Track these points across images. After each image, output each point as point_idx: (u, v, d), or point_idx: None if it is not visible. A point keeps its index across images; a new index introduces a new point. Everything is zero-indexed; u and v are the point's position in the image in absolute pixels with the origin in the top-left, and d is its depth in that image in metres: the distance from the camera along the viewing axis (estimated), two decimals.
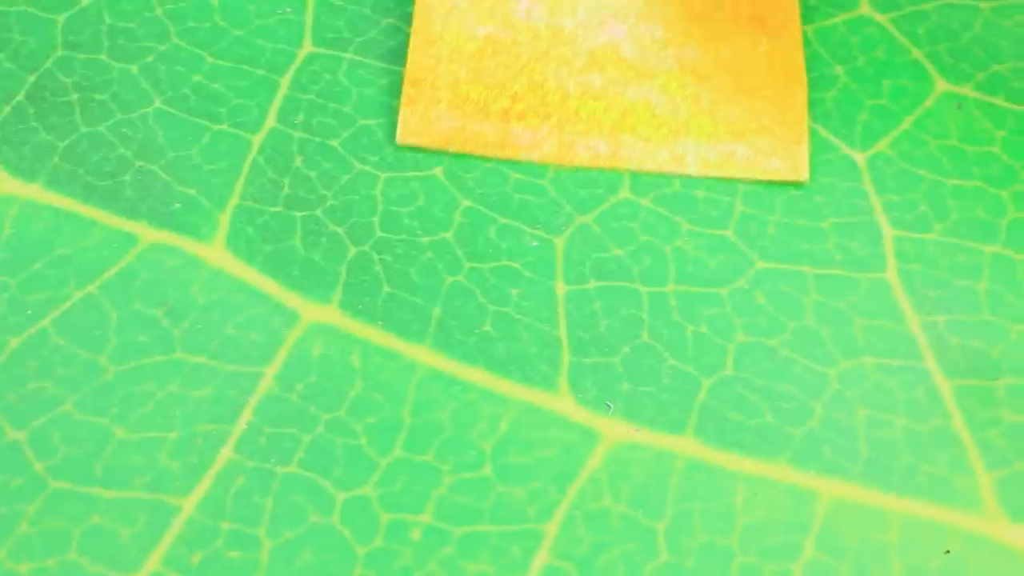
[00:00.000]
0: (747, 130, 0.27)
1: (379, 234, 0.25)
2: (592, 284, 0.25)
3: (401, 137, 0.26)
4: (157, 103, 0.26)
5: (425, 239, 0.25)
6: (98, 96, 0.26)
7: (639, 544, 0.22)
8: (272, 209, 0.25)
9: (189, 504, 0.22)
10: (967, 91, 0.29)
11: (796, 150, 0.27)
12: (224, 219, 0.25)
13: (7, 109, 0.26)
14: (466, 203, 0.26)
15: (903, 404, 0.24)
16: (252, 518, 0.21)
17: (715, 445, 0.23)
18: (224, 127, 0.26)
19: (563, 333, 0.24)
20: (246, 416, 0.23)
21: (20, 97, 0.26)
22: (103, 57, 0.27)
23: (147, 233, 0.25)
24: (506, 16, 0.27)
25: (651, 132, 0.27)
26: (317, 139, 0.26)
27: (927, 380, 0.24)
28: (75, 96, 0.26)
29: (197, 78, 0.27)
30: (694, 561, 0.22)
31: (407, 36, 0.28)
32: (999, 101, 0.29)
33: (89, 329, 0.23)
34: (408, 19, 0.29)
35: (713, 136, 0.27)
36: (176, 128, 0.26)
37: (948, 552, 0.22)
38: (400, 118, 0.26)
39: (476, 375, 0.23)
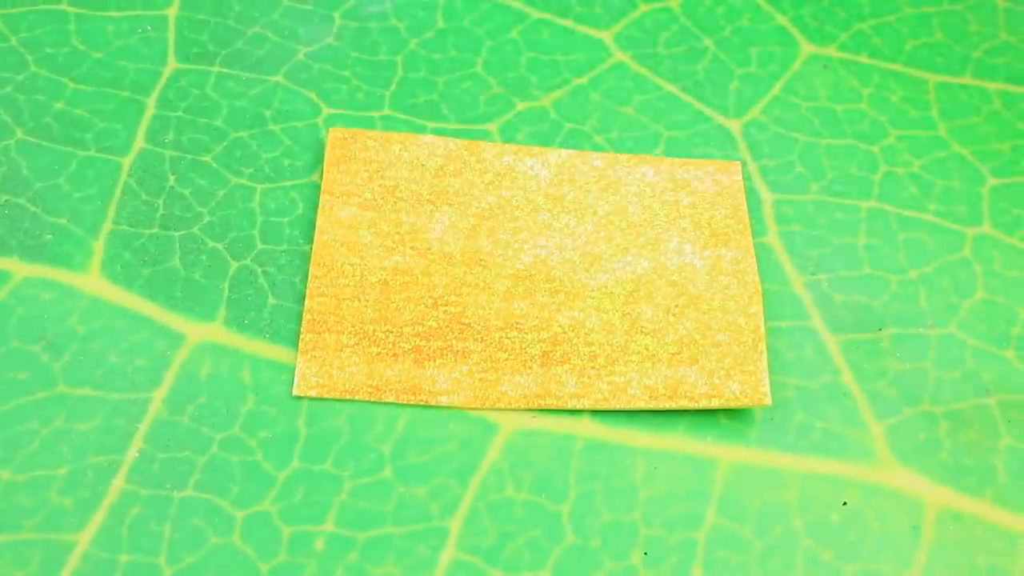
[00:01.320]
0: (697, 351, 0.24)
1: (260, 246, 0.25)
2: None
3: (299, 388, 0.23)
4: (19, 134, 0.26)
5: (308, 247, 0.25)
6: None
7: (544, 529, 0.22)
8: (148, 231, 0.25)
9: (83, 539, 0.21)
10: (832, 51, 0.29)
11: (755, 370, 0.23)
12: (98, 246, 0.24)
13: None
14: None
15: (793, 364, 0.24)
16: (150, 547, 0.21)
17: (612, 423, 0.23)
18: (91, 152, 0.26)
19: None
20: (137, 444, 0.22)
21: None
22: None
23: (19, 268, 0.24)
24: (416, 243, 0.24)
25: (586, 362, 0.23)
26: (189, 156, 0.26)
27: (815, 338, 0.25)
28: None
29: (59, 105, 0.26)
30: (600, 540, 0.22)
31: (274, 44, 0.28)
32: (863, 59, 0.29)
33: None
34: (274, 27, 0.28)
35: (657, 360, 0.23)
36: (41, 158, 0.25)
37: (846, 504, 0.23)
38: (297, 368, 0.23)
39: None
